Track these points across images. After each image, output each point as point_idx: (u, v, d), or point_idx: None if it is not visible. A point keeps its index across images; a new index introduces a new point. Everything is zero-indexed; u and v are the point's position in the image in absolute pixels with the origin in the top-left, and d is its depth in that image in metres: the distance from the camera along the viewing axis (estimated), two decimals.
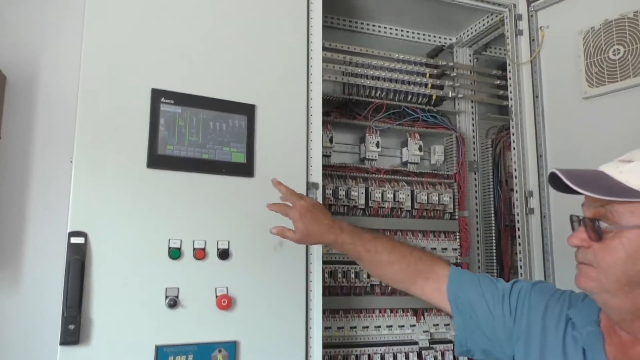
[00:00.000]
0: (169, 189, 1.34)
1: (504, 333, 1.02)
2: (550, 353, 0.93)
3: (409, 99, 2.07)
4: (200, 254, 1.33)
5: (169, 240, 1.31)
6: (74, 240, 1.20)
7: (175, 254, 1.30)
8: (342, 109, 2.01)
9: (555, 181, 0.85)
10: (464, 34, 2.26)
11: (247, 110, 1.47)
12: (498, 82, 2.21)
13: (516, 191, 1.86)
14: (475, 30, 2.19)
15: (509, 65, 1.94)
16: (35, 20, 1.71)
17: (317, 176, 1.56)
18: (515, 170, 1.87)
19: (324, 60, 1.87)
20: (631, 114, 1.58)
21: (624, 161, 0.84)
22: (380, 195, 1.92)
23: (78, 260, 1.18)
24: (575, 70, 1.75)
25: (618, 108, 1.62)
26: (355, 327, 1.83)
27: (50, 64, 1.70)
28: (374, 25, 2.18)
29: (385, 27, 2.20)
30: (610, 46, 1.65)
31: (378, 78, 2.01)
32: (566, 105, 1.79)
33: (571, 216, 0.88)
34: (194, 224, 1.35)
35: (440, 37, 2.30)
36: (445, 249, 2.01)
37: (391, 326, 1.87)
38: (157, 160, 1.33)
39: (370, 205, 1.92)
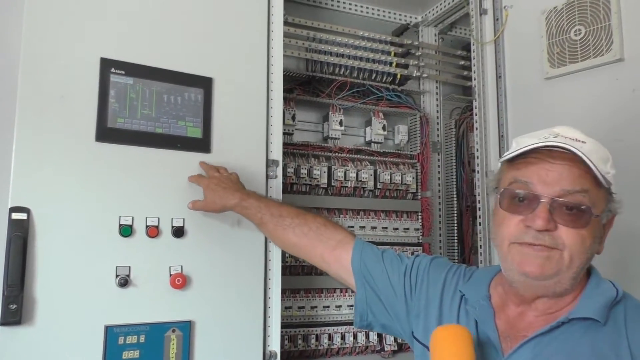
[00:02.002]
0: (119, 163, 1.28)
1: (403, 309, 1.04)
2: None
3: (373, 77, 2.06)
4: (153, 231, 1.29)
5: (120, 217, 1.26)
6: (15, 216, 1.14)
7: (126, 231, 1.26)
8: (306, 86, 1.98)
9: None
10: (429, 12, 2.24)
11: (204, 84, 1.42)
12: (463, 62, 2.22)
13: (477, 171, 1.87)
14: (441, 9, 2.17)
15: (473, 44, 1.93)
16: None
17: (277, 153, 1.53)
18: (477, 150, 1.88)
19: (287, 35, 1.86)
20: (591, 95, 1.60)
21: (578, 141, 0.83)
22: (342, 174, 1.91)
23: (19, 237, 1.12)
24: (537, 51, 1.75)
25: (579, 89, 1.63)
26: (316, 307, 1.82)
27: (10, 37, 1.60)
28: (339, 2, 2.14)
29: (350, 4, 2.17)
30: (572, 26, 1.66)
31: (342, 55, 1.99)
32: (528, 86, 1.79)
33: (531, 194, 0.82)
34: (147, 201, 1.30)
35: (405, 16, 2.28)
36: (408, 229, 2.02)
37: (352, 305, 1.86)
38: (106, 133, 1.27)
39: (332, 184, 1.91)
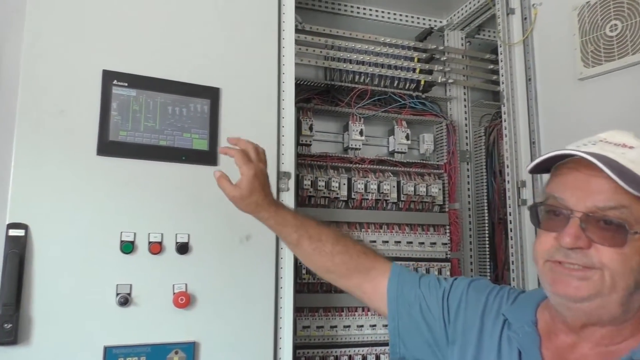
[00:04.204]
0: (121, 177, 1.25)
1: (443, 337, 0.93)
2: (485, 355, 0.85)
3: (395, 84, 1.98)
4: (156, 247, 1.25)
5: (121, 233, 1.22)
6: (12, 232, 1.11)
7: (127, 247, 1.22)
8: (324, 95, 1.92)
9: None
10: (454, 15, 2.15)
11: (211, 94, 1.38)
12: (492, 66, 2.11)
13: (508, 182, 1.75)
14: (466, 11, 2.08)
15: (500, 46, 1.82)
16: None
17: (289, 165, 1.47)
18: (507, 159, 1.76)
19: (305, 43, 1.82)
20: (630, 95, 1.47)
21: (625, 146, 0.73)
22: (363, 186, 1.83)
23: (16, 254, 1.10)
24: (570, 50, 1.63)
25: (616, 89, 1.50)
26: (335, 327, 1.73)
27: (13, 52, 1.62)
28: (358, 7, 2.08)
29: (370, 9, 2.10)
30: (607, 22, 1.53)
31: (362, 62, 1.92)
32: (561, 88, 1.67)
33: (562, 210, 0.74)
34: (149, 216, 1.27)
35: (429, 20, 2.19)
36: (434, 243, 1.91)
37: (375, 325, 1.77)
38: (108, 147, 1.24)
39: (353, 197, 1.83)
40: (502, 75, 1.81)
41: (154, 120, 1.31)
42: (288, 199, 1.45)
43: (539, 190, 1.70)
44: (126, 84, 1.28)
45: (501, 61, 1.82)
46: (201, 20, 1.41)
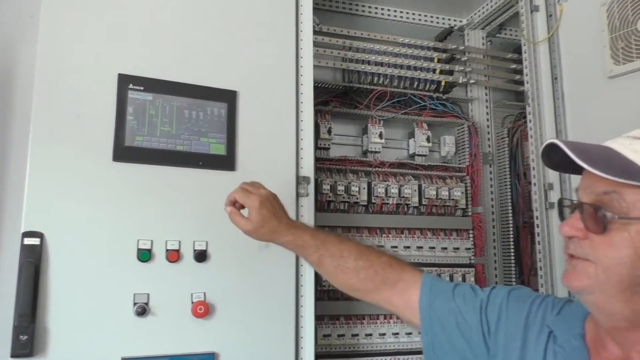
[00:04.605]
0: (138, 184, 1.23)
1: (482, 352, 0.88)
2: None
3: (415, 85, 1.94)
4: (173, 255, 1.22)
5: (138, 240, 1.20)
6: (27, 241, 1.09)
7: (144, 256, 1.19)
8: (342, 97, 1.89)
9: (552, 155, 0.73)
10: (475, 14, 2.10)
11: (228, 97, 1.35)
12: (514, 66, 2.06)
13: (534, 184, 1.70)
14: (487, 10, 2.03)
15: (524, 45, 1.77)
16: (11, 11, 1.62)
17: (308, 169, 1.43)
18: (533, 160, 1.71)
19: (322, 45, 1.79)
20: None
21: (636, 138, 0.71)
22: (383, 190, 1.78)
23: (31, 264, 1.08)
24: (598, 47, 1.57)
25: None
26: (357, 335, 1.69)
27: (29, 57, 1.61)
28: (375, 8, 2.04)
29: (388, 9, 2.06)
30: (638, 17, 1.48)
31: (381, 64, 1.89)
32: (589, 87, 1.61)
33: (561, 200, 0.79)
34: (167, 223, 1.24)
35: (449, 19, 2.15)
36: (458, 248, 1.86)
37: (397, 334, 1.73)
38: (124, 152, 1.22)
39: (373, 201, 1.79)
40: (527, 75, 1.76)
41: (170, 124, 1.28)
42: (307, 204, 1.42)
43: (567, 193, 1.64)
44: (142, 88, 1.26)
45: (525, 60, 1.77)
46: (218, 23, 1.38)
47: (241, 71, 1.39)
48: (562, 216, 0.80)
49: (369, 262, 1.02)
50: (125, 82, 1.25)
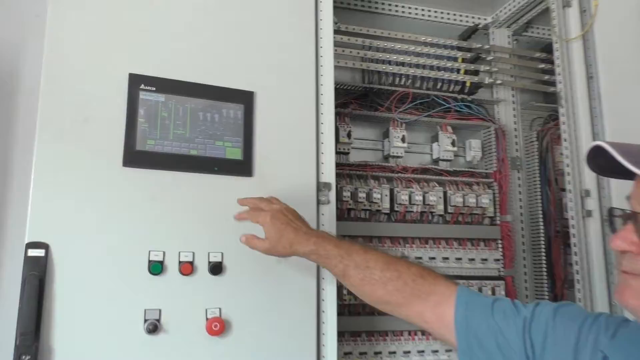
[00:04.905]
0: (149, 191, 1.16)
1: None
2: None
3: (438, 86, 1.86)
4: (187, 268, 1.14)
5: (150, 252, 1.13)
6: (31, 252, 1.02)
7: (156, 268, 1.12)
8: (362, 99, 1.80)
9: (598, 159, 0.68)
10: (500, 11, 2.02)
11: (245, 99, 1.29)
12: (543, 65, 1.97)
13: (569, 191, 1.60)
14: (514, 7, 1.94)
15: (556, 42, 1.68)
16: (16, 11, 1.57)
17: (329, 175, 1.36)
18: (568, 165, 1.62)
19: (341, 44, 1.72)
20: None
21: None
22: (407, 197, 1.70)
23: (35, 277, 1.00)
24: (637, 43, 1.49)
25: None
26: (380, 353, 1.60)
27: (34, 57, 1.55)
28: (396, 5, 1.97)
29: (409, 7, 1.98)
30: None
31: (402, 64, 1.80)
32: (628, 85, 1.53)
33: (612, 209, 0.72)
34: (180, 233, 1.16)
35: (473, 17, 2.06)
36: (486, 259, 1.77)
37: (423, 351, 1.63)
38: (135, 157, 1.15)
39: (395, 209, 1.70)
40: (559, 74, 1.67)
41: (183, 127, 1.21)
42: (328, 212, 1.34)
43: (606, 200, 1.55)
44: (154, 89, 1.20)
45: (557, 59, 1.68)
46: (234, 21, 1.32)
47: (258, 71, 1.32)
48: (612, 227, 0.72)
49: (398, 273, 0.95)
50: (136, 82, 1.18)
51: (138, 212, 1.14)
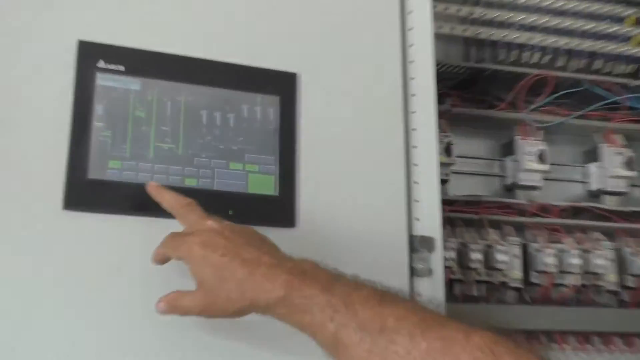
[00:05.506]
0: (110, 254, 1.02)
1: None
2: None
3: (596, 67, 1.81)
4: None
5: None
6: None
7: None
8: (466, 89, 1.78)
9: None
10: None
11: (281, 86, 1.20)
12: None
13: None
14: None
15: None
16: None
17: (431, 225, 1.25)
18: None
19: None
20: None
21: None
22: (553, 260, 1.60)
23: None
24: None
25: None
26: None
27: None
28: None
29: None
30: None
31: (534, 28, 1.76)
32: None
33: None
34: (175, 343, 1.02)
35: None
36: None
37: None
38: (84, 191, 1.03)
39: (532, 281, 1.61)
40: None
41: (173, 137, 1.10)
42: (431, 289, 1.21)
43: None
44: (122, 68, 1.09)
45: None
46: None
47: (303, 39, 1.26)
48: None
49: (446, 344, 0.79)
50: (90, 55, 1.07)
51: (88, 294, 1.00)
